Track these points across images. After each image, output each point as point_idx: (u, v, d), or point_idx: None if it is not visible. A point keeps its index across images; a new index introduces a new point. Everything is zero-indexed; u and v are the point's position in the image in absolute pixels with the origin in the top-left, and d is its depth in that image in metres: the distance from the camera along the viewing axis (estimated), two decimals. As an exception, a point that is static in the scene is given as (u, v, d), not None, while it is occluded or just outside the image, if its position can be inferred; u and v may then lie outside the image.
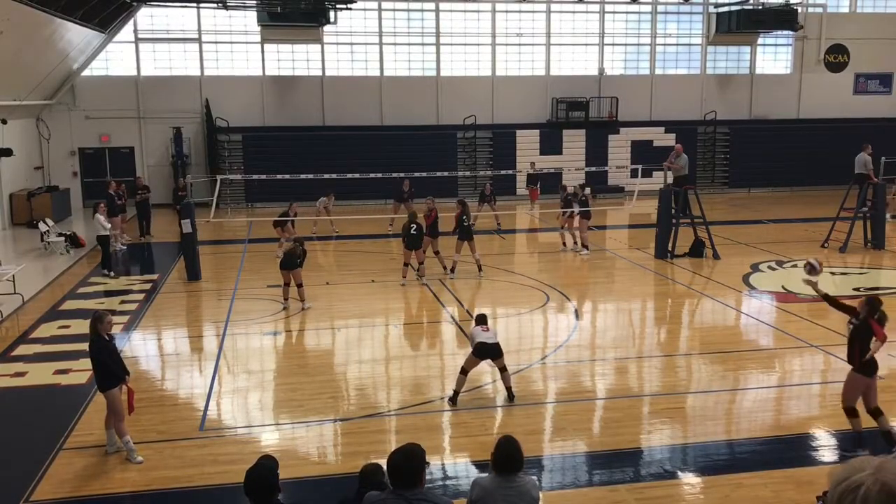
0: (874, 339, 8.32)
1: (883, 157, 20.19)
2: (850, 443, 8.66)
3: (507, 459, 5.16)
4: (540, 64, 31.81)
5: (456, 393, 10.01)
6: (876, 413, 8.45)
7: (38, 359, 11.98)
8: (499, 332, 10.50)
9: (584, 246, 19.75)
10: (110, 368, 8.40)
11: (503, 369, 10.11)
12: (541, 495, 5.47)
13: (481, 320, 10.43)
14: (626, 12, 32.18)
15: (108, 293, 16.38)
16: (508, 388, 10.09)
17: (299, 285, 14.60)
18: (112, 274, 17.75)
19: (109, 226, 18.60)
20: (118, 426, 8.45)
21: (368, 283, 16.80)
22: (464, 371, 10.00)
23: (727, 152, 32.90)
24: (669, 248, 19.02)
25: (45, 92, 26.68)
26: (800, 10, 31.85)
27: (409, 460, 4.53)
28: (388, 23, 30.56)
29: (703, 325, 14.46)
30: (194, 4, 27.33)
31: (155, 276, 18.01)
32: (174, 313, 14.97)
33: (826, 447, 8.96)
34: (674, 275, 17.62)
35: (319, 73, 30.28)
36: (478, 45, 31.30)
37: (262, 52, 29.91)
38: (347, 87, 30.30)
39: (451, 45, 31.12)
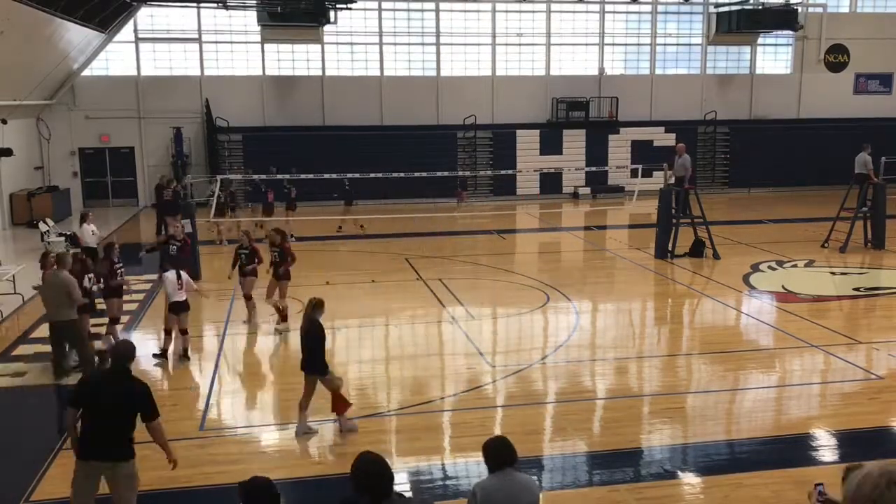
0: None
1: (883, 157, 20.16)
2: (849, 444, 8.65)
3: (499, 453, 5.18)
4: (540, 64, 31.81)
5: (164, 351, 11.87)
6: None
7: (38, 359, 11.97)
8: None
9: None
10: None
11: (184, 332, 11.77)
12: (541, 496, 5.46)
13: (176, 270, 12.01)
14: (626, 12, 32.17)
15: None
16: (184, 350, 11.77)
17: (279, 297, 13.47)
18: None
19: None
20: None
21: (368, 283, 16.80)
22: (167, 331, 11.87)
23: (727, 152, 32.90)
24: (669, 248, 19.01)
25: (45, 92, 26.68)
26: (800, 9, 31.86)
27: (381, 467, 4.46)
28: (388, 22, 30.55)
29: (704, 325, 14.46)
30: (194, 4, 27.33)
31: (154, 276, 17.96)
32: (174, 313, 14.93)
33: (826, 447, 8.96)
34: (674, 275, 17.62)
35: (319, 73, 30.28)
36: (478, 45, 31.29)
37: (263, 52, 29.91)
38: (347, 87, 30.30)
39: (451, 44, 31.11)
